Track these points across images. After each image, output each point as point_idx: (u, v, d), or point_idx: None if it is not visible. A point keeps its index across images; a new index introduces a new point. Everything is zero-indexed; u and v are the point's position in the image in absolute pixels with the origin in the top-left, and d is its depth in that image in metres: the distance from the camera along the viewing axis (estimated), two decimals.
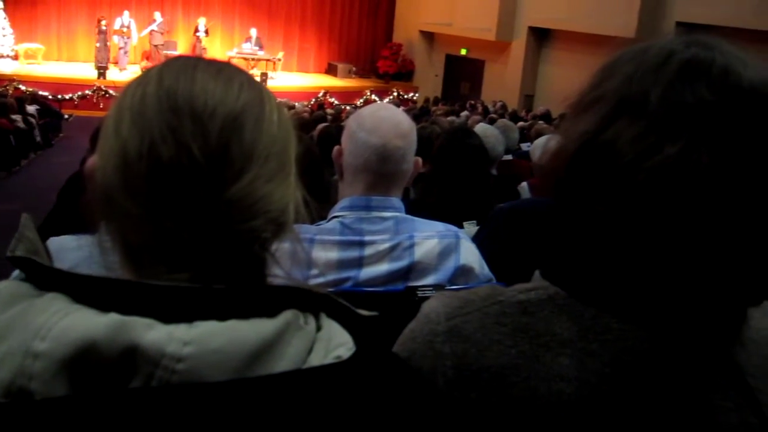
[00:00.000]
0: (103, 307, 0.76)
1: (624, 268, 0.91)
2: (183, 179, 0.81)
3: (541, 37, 21.67)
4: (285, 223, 0.88)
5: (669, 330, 0.91)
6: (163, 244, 0.82)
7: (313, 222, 0.92)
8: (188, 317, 0.77)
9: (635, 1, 18.03)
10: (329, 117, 11.72)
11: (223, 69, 0.91)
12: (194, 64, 0.91)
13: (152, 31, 21.60)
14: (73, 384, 0.74)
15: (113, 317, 0.75)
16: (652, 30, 18.13)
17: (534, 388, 0.91)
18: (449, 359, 0.95)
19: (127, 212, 0.82)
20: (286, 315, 0.83)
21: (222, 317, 0.78)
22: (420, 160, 2.22)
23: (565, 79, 18.96)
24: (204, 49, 22.25)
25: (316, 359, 0.84)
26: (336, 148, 2.19)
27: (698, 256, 0.87)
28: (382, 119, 2.12)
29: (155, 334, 0.75)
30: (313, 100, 20.16)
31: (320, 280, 2.06)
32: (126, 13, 20.95)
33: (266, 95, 0.92)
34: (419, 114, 15.25)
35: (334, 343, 0.87)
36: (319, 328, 0.87)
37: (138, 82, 0.91)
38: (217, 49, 23.33)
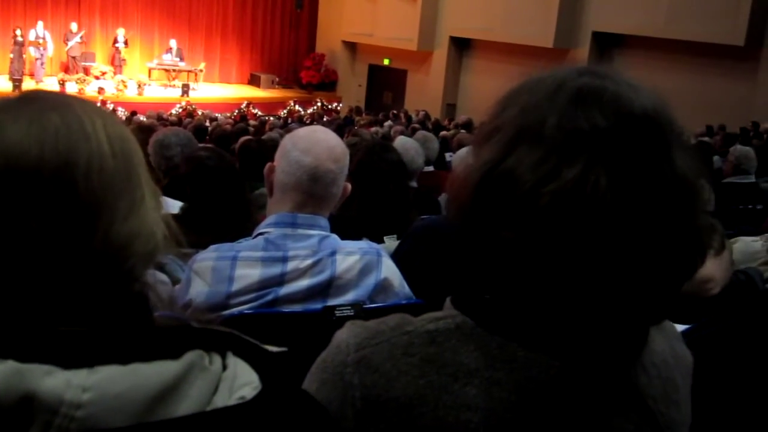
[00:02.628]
0: (1, 354, 0.74)
1: (527, 295, 0.94)
2: (40, 248, 0.79)
3: (462, 46, 21.91)
4: (154, 249, 0.87)
5: (572, 356, 0.95)
6: (48, 307, 0.80)
7: (177, 240, 0.90)
8: (89, 362, 0.76)
9: (552, 12, 18.40)
10: (251, 129, 11.63)
11: (34, 113, 0.84)
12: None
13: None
14: None
15: (10, 365, 0.73)
16: (569, 39, 18.55)
17: (441, 418, 0.93)
18: (358, 390, 0.97)
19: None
20: (190, 356, 0.82)
21: (124, 361, 0.77)
22: (349, 186, 2.25)
23: (486, 88, 19.22)
24: (123, 60, 21.87)
25: (220, 400, 0.83)
26: (268, 164, 2.21)
27: (598, 278, 0.90)
28: (318, 141, 2.15)
29: (53, 381, 0.74)
30: (236, 111, 19.97)
31: (242, 298, 2.07)
32: (40, 23, 20.40)
33: (86, 122, 0.86)
34: (343, 124, 15.27)
35: (239, 382, 0.86)
36: (224, 368, 0.86)
37: None
38: (136, 60, 22.94)
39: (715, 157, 8.05)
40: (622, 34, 17.88)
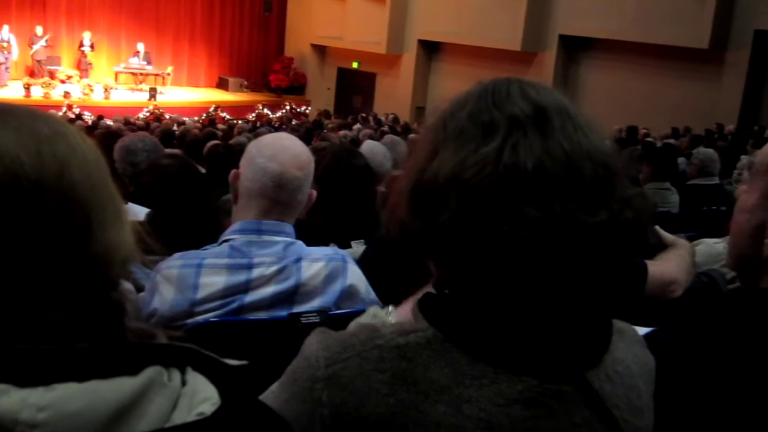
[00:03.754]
0: None
1: (488, 311, 0.96)
2: (37, 258, 0.79)
3: (430, 50, 21.97)
4: (131, 257, 0.87)
5: (538, 372, 0.96)
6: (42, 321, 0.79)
7: (146, 248, 0.90)
8: (46, 380, 0.75)
9: (520, 16, 18.52)
10: (220, 133, 11.55)
11: (19, 123, 0.83)
12: None
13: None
14: None
15: None
16: (536, 43, 18.68)
17: None
18: (327, 408, 0.97)
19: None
20: (149, 372, 0.81)
21: (82, 378, 0.76)
22: (314, 193, 2.25)
23: (455, 91, 19.03)
24: (90, 64, 21.66)
25: (179, 417, 0.82)
26: (233, 171, 2.21)
27: (538, 257, 0.94)
28: (283, 148, 2.15)
29: (7, 400, 0.72)
30: (204, 115, 19.86)
31: (207, 306, 2.06)
32: (5, 27, 20.15)
33: (71, 136, 0.86)
34: (312, 128, 15.24)
35: (199, 398, 0.85)
36: (184, 383, 0.85)
37: None
38: (103, 64, 22.73)
39: (680, 159, 8.13)
40: (589, 38, 18.04)
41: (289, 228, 2.17)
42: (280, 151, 2.13)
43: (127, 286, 1.66)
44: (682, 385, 1.27)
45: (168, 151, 5.71)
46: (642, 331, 1.53)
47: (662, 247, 2.64)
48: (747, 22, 15.29)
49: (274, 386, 1.06)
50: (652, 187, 5.84)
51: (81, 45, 21.76)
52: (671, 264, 2.52)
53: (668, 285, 2.44)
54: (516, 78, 1.05)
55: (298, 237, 2.24)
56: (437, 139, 1.01)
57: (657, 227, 2.76)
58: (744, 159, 7.06)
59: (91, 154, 0.87)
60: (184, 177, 3.04)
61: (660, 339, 1.41)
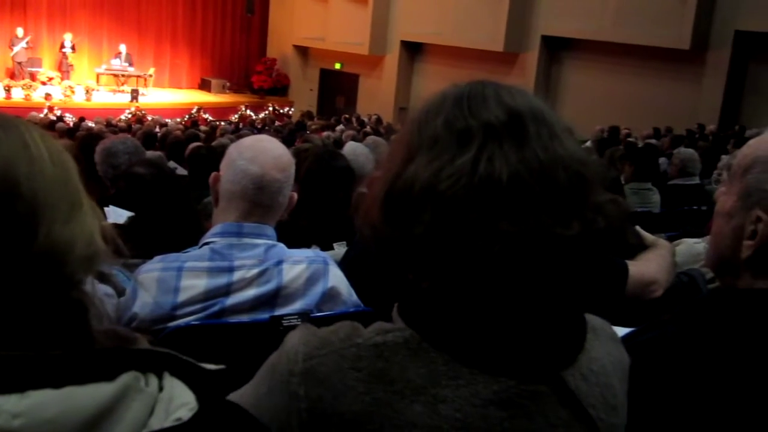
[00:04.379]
0: None
1: (465, 314, 0.96)
2: None
3: (413, 51, 22.00)
4: (94, 255, 0.86)
5: (514, 372, 0.97)
6: None
7: (117, 250, 0.89)
8: (20, 387, 0.74)
9: (502, 17, 18.57)
10: (202, 135, 11.52)
11: None
12: None
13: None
14: None
15: None
16: (519, 44, 18.74)
17: None
18: (304, 402, 0.97)
19: None
20: (126, 378, 0.81)
21: (57, 384, 0.76)
22: (295, 195, 2.25)
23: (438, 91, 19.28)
24: (71, 65, 21.56)
25: (156, 422, 0.82)
26: (214, 174, 2.20)
27: (512, 261, 0.95)
28: (264, 150, 2.14)
29: None
30: (187, 116, 19.79)
31: (188, 309, 2.05)
32: None
33: (27, 135, 0.86)
34: (295, 129, 15.22)
35: (176, 403, 0.85)
36: (161, 389, 0.85)
37: None
38: (84, 65, 22.64)
39: (662, 159, 8.18)
40: (571, 38, 18.12)
41: (270, 230, 2.17)
42: (261, 154, 2.12)
43: (106, 289, 1.66)
44: (661, 385, 1.28)
45: (150, 153, 5.71)
46: (622, 331, 1.54)
47: (643, 247, 2.65)
48: (727, 23, 15.40)
49: (254, 379, 1.06)
50: (633, 187, 5.87)
51: (62, 46, 21.67)
52: (652, 264, 2.54)
53: (649, 285, 2.45)
54: (492, 82, 1.05)
55: (280, 239, 2.23)
56: (412, 143, 1.01)
57: (638, 227, 2.77)
58: (724, 159, 7.11)
59: (48, 155, 0.86)
60: (158, 184, 3.03)
61: (640, 339, 1.42)
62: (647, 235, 2.73)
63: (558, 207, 0.95)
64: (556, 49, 18.71)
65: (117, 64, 22.03)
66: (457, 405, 0.95)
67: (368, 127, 15.72)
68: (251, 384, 1.06)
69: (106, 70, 22.02)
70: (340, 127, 15.60)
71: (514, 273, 0.94)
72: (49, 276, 0.81)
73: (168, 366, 0.88)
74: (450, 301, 0.98)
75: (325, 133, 12.86)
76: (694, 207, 5.64)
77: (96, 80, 21.73)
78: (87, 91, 20.58)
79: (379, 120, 17.81)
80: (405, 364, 0.97)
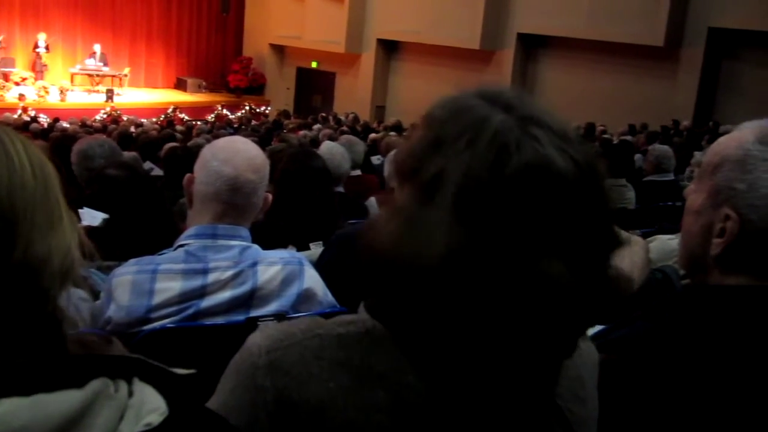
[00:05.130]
0: None
1: (439, 314, 0.94)
2: None
3: (389, 49, 22.02)
4: (70, 269, 0.85)
5: (482, 361, 0.95)
6: None
7: (92, 260, 0.89)
8: None
9: (478, 15, 18.65)
10: (179, 135, 11.47)
11: None
12: None
13: None
14: None
15: None
16: (495, 41, 18.82)
17: (353, 420, 0.95)
18: (270, 393, 0.98)
19: None
20: (95, 384, 0.81)
21: (26, 392, 0.75)
22: (270, 196, 2.25)
23: (415, 89, 19.35)
24: (45, 65, 21.40)
25: (126, 428, 0.82)
26: (187, 176, 2.19)
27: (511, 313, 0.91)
28: (237, 151, 2.14)
29: None
30: (163, 116, 19.70)
31: (163, 311, 2.05)
32: None
33: (7, 142, 0.85)
34: (272, 128, 15.19)
35: (146, 408, 0.84)
36: (131, 394, 0.85)
37: None
38: (59, 65, 22.47)
39: (637, 156, 8.24)
40: (547, 36, 18.22)
41: (244, 232, 2.16)
42: (235, 155, 2.12)
43: (80, 293, 1.65)
44: (632, 382, 1.29)
45: (126, 154, 5.68)
46: (596, 328, 1.56)
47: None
48: (701, 20, 15.55)
49: (219, 383, 1.06)
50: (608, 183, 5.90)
51: (36, 46, 21.49)
52: (625, 261, 2.55)
53: (623, 282, 2.47)
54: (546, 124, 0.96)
55: (256, 239, 2.23)
56: (455, 189, 0.92)
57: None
58: (698, 155, 7.18)
59: (30, 167, 0.85)
60: (131, 186, 3.01)
61: (612, 337, 1.44)
62: (620, 233, 2.75)
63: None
64: (531, 46, 18.81)
65: (91, 63, 21.88)
66: (420, 391, 0.95)
67: (346, 126, 15.72)
68: (217, 388, 1.06)
69: (81, 70, 21.87)
70: (317, 125, 15.58)
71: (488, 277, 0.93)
72: (24, 289, 0.81)
73: (138, 371, 0.88)
74: (418, 299, 0.97)
75: (302, 132, 12.84)
76: (669, 203, 5.68)
77: (70, 80, 21.59)
78: (61, 92, 20.44)
79: (356, 118, 17.81)
80: (367, 353, 0.97)
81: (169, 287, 2.05)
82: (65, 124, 15.12)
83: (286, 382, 0.97)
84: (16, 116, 16.83)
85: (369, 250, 0.97)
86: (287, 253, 2.27)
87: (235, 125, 18.05)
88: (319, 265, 2.52)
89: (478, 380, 0.96)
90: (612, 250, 0.99)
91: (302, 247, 3.20)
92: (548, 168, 0.91)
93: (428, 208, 0.93)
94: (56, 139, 7.46)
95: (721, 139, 1.43)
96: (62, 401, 0.77)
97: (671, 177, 6.60)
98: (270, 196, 2.24)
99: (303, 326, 1.02)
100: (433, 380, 0.96)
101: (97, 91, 21.40)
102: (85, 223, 3.23)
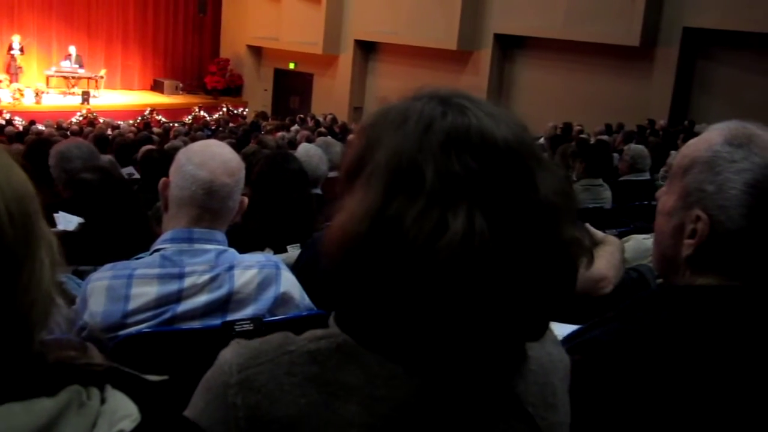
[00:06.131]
0: None
1: (408, 320, 0.96)
2: None
3: (367, 50, 22.01)
4: (50, 311, 0.85)
5: (452, 371, 0.97)
6: None
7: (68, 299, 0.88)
8: None
9: (455, 15, 18.68)
10: (156, 137, 11.42)
11: None
12: None
13: None
14: None
15: None
16: (472, 42, 18.86)
17: None
18: (242, 411, 0.98)
19: None
20: (67, 392, 0.81)
21: None
22: (246, 200, 2.24)
23: (392, 90, 19.22)
24: (20, 68, 21.21)
25: None
26: (162, 180, 2.19)
27: (477, 305, 0.93)
28: (212, 155, 2.14)
29: None
30: (139, 118, 19.60)
31: (139, 316, 2.04)
32: None
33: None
34: (249, 129, 15.14)
35: (119, 415, 0.85)
36: (103, 402, 0.85)
37: None
38: (34, 67, 22.27)
39: (614, 155, 8.29)
40: (523, 36, 18.29)
41: (220, 236, 2.16)
42: (210, 159, 2.12)
43: (57, 300, 1.65)
44: (604, 384, 1.31)
45: (103, 157, 5.65)
46: (571, 328, 1.57)
47: (592, 244, 2.68)
48: (676, 20, 15.68)
49: (192, 398, 1.07)
50: (584, 183, 5.93)
51: (10, 48, 21.29)
52: (601, 261, 2.57)
53: (598, 282, 2.48)
54: (472, 107, 0.99)
55: (234, 242, 2.23)
56: (389, 174, 0.96)
57: (587, 225, 2.81)
58: (673, 154, 7.22)
59: (8, 214, 0.81)
60: (106, 189, 3.00)
61: (585, 338, 1.45)
62: (596, 232, 2.76)
63: (530, 255, 0.94)
64: (508, 47, 18.87)
65: (67, 65, 21.71)
66: (392, 404, 0.96)
67: (324, 127, 15.71)
68: (190, 403, 1.06)
69: (56, 72, 21.69)
70: (295, 127, 15.56)
71: (458, 277, 0.94)
72: (8, 341, 0.81)
73: (110, 379, 0.88)
74: (385, 304, 0.97)
75: (279, 134, 12.82)
76: (645, 202, 5.73)
77: (46, 82, 21.42)
78: (37, 94, 20.27)
79: (334, 120, 17.80)
80: (339, 368, 0.98)
81: (145, 292, 2.05)
82: (41, 127, 15.01)
83: (258, 400, 0.98)
84: None
85: (325, 256, 0.99)
86: (264, 257, 2.27)
87: (213, 127, 17.99)
88: (296, 267, 2.52)
89: (449, 372, 0.97)
90: (561, 224, 0.98)
91: (280, 249, 3.20)
92: (478, 131, 0.96)
93: (366, 194, 0.96)
94: (32, 142, 7.39)
95: (691, 142, 1.45)
96: (34, 410, 0.78)
97: (647, 176, 6.66)
98: (246, 200, 2.24)
99: (274, 343, 1.03)
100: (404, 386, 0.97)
101: (73, 94, 21.23)
102: (60, 227, 3.22)
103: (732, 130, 1.38)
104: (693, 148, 1.41)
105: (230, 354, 1.03)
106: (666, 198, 1.45)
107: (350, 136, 10.02)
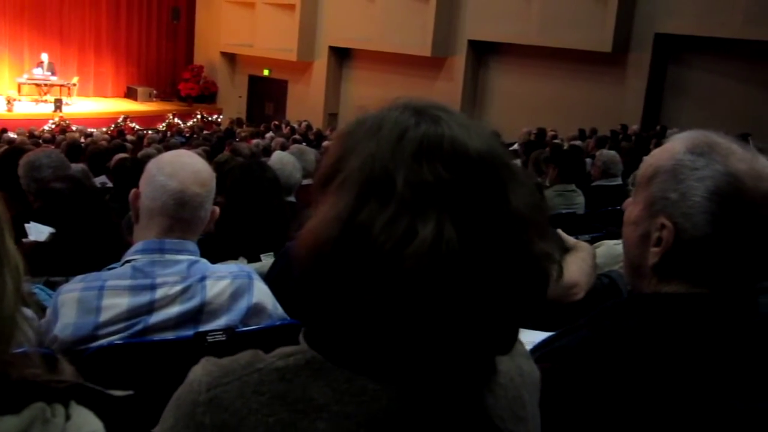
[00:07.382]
0: None
1: (376, 332, 0.96)
2: None
3: (341, 56, 22.03)
4: (13, 331, 0.86)
5: (421, 385, 0.97)
6: None
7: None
8: None
9: (429, 22, 18.76)
10: (129, 145, 11.34)
11: None
12: None
13: None
14: None
15: None
16: (446, 48, 18.94)
17: None
18: (210, 429, 0.98)
19: None
20: (32, 410, 0.81)
21: None
22: (217, 210, 2.24)
23: (367, 97, 19.35)
24: None
25: None
26: (133, 191, 2.17)
27: (446, 317, 0.93)
28: (183, 165, 2.13)
29: None
30: (113, 126, 19.45)
31: (111, 328, 2.03)
32: None
33: None
34: (224, 136, 15.10)
35: (84, 431, 0.85)
36: (68, 418, 0.85)
37: None
38: (5, 75, 22.08)
39: (587, 160, 8.35)
40: (497, 42, 18.39)
41: (192, 246, 2.16)
42: (180, 169, 2.11)
43: (28, 313, 1.64)
44: (572, 393, 1.32)
45: (74, 166, 5.60)
46: (543, 336, 1.58)
47: (564, 250, 2.70)
48: (647, 26, 15.86)
49: (162, 415, 1.06)
50: (557, 189, 5.97)
51: None
52: (573, 267, 2.58)
53: (570, 288, 2.49)
54: (446, 117, 1.01)
55: (207, 251, 2.23)
56: (361, 181, 0.97)
57: (559, 230, 2.82)
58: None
59: None
60: (76, 199, 2.98)
61: (555, 346, 1.46)
62: (568, 238, 2.78)
63: (500, 268, 0.94)
64: (482, 53, 18.96)
65: (39, 73, 21.52)
66: (360, 420, 0.96)
67: (299, 133, 15.69)
68: (161, 419, 1.06)
69: (28, 79, 21.49)
70: (270, 134, 15.52)
71: (425, 285, 0.95)
72: None
73: (75, 395, 0.88)
74: (353, 315, 0.98)
75: (254, 141, 12.79)
76: (617, 207, 5.77)
77: (17, 90, 21.21)
78: (8, 102, 20.08)
79: (309, 126, 17.78)
80: (307, 385, 0.98)
81: (117, 303, 2.04)
82: (12, 135, 14.86)
83: (225, 419, 0.97)
84: None
85: (296, 260, 0.98)
86: (236, 267, 2.26)
87: (187, 134, 17.90)
88: (270, 276, 2.52)
89: (417, 386, 0.97)
90: (531, 237, 0.98)
91: (253, 258, 3.19)
92: (450, 140, 0.97)
93: (338, 199, 0.97)
94: (3, 151, 7.32)
95: (655, 151, 1.47)
96: None
97: (619, 182, 6.72)
98: (217, 210, 2.24)
99: (243, 361, 1.02)
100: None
101: (45, 101, 21.04)
102: (32, 237, 3.19)
103: (694, 138, 1.40)
104: (656, 157, 1.44)
105: (200, 372, 1.03)
106: (632, 208, 1.47)
107: (326, 143, 10.01)
